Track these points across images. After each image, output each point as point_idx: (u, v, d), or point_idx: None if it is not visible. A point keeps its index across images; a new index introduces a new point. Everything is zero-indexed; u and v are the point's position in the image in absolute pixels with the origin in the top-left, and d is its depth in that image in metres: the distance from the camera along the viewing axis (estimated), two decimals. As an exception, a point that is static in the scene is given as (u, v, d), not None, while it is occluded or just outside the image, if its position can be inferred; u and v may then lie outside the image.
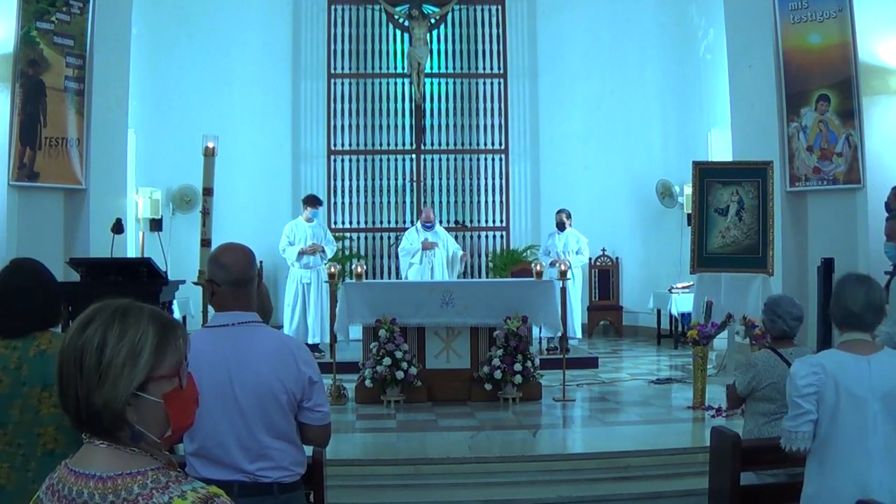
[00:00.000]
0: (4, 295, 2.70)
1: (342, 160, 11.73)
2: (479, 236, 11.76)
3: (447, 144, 11.83)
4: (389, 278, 11.30)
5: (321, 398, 2.69)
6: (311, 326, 9.05)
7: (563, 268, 7.34)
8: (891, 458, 2.65)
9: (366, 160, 11.75)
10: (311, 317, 9.06)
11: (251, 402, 2.53)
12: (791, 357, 3.99)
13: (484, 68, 11.91)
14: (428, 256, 9.36)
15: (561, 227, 9.64)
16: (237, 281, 2.62)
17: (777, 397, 3.94)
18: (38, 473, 2.52)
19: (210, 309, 5.53)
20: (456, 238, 10.50)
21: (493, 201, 11.84)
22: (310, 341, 9.01)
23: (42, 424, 2.59)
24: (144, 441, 1.40)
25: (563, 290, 7.56)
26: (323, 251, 9.14)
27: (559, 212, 9.77)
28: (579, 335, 9.85)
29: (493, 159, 11.88)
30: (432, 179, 11.80)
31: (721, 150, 10.03)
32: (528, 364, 6.82)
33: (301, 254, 8.99)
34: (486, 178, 11.85)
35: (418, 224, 9.68)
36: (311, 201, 9.34)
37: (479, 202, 11.82)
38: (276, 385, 2.55)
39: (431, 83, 11.82)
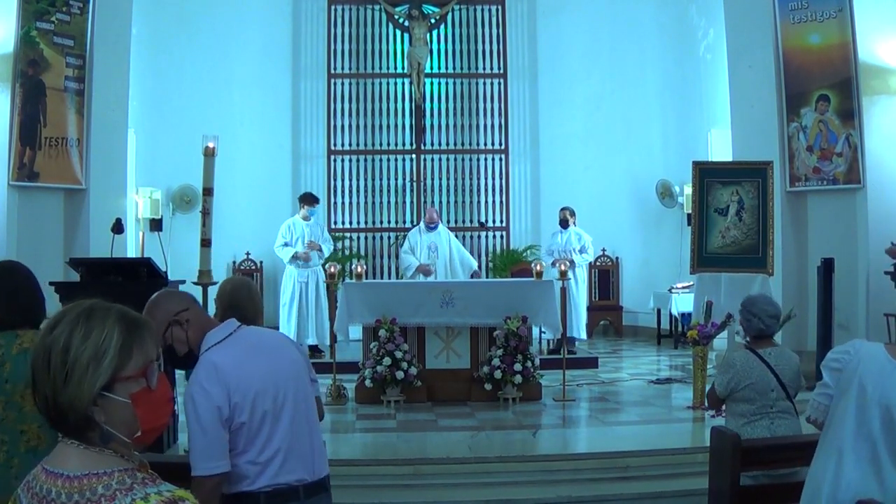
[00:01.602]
0: None
1: (342, 160, 11.73)
2: (479, 236, 11.76)
3: (447, 144, 11.83)
4: (389, 278, 11.30)
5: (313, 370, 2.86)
6: (309, 327, 8.97)
7: (562, 268, 7.34)
8: (870, 464, 2.62)
9: (366, 160, 11.75)
10: (309, 318, 8.98)
11: (297, 385, 2.57)
12: (770, 357, 3.98)
13: (484, 68, 11.91)
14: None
15: (564, 224, 9.55)
16: (195, 298, 2.70)
17: (756, 398, 3.94)
18: (20, 470, 2.56)
19: (209, 311, 5.52)
20: (462, 238, 10.48)
21: (493, 201, 11.83)
22: (308, 342, 8.97)
23: (25, 421, 2.62)
24: (114, 441, 1.41)
25: (563, 290, 7.55)
26: (320, 249, 9.07)
27: (563, 209, 9.66)
28: (584, 336, 9.76)
29: (493, 159, 11.88)
30: (432, 179, 11.79)
31: (721, 150, 10.03)
32: (528, 364, 6.82)
33: (294, 258, 8.93)
34: (486, 178, 11.85)
35: (422, 224, 9.56)
36: (308, 199, 9.27)
37: (479, 202, 11.81)
38: (303, 364, 2.67)
39: (431, 83, 11.82)
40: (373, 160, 11.75)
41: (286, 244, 8.99)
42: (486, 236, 11.77)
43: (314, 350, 9.04)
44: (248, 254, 10.99)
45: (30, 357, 2.56)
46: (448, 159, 11.83)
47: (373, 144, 11.76)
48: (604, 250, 11.40)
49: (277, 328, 9.19)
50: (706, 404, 6.14)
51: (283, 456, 2.47)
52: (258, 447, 2.45)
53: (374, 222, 11.73)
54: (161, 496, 1.36)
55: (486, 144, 11.88)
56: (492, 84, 11.89)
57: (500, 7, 11.91)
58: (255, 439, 2.45)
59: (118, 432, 1.41)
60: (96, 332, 1.41)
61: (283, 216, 9.91)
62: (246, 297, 3.38)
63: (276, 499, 2.46)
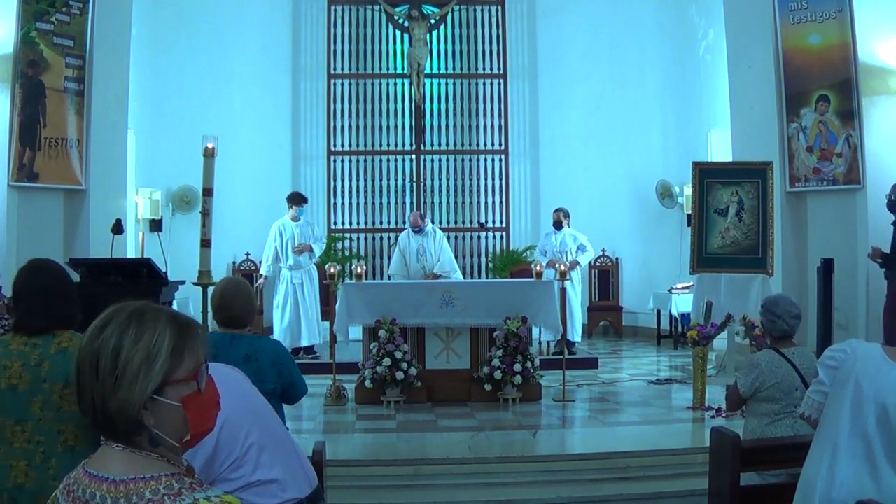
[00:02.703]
0: (27, 294, 2.74)
1: (342, 160, 11.73)
2: (479, 236, 11.77)
3: (447, 144, 11.84)
4: (389, 279, 11.29)
5: None
6: (304, 329, 8.83)
7: (562, 268, 7.34)
8: (864, 462, 2.62)
9: (366, 160, 11.75)
10: (303, 319, 8.83)
11: (262, 414, 2.52)
12: (794, 357, 3.99)
13: (484, 68, 11.92)
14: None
15: (558, 226, 9.42)
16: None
17: (781, 397, 3.94)
18: (58, 471, 2.53)
19: (208, 313, 5.49)
20: (462, 238, 10.44)
21: (493, 201, 11.84)
22: (303, 344, 8.92)
23: (63, 421, 2.60)
24: (162, 445, 1.39)
25: (563, 290, 7.56)
26: (311, 250, 8.91)
27: (557, 210, 9.53)
28: (578, 338, 9.61)
29: (493, 159, 11.88)
30: (432, 179, 11.80)
31: (721, 150, 10.02)
32: (528, 364, 6.82)
33: (262, 278, 9.00)
34: (486, 179, 11.86)
35: (409, 228, 9.25)
36: (296, 199, 9.08)
37: (479, 202, 11.82)
38: (252, 387, 2.60)
39: (431, 83, 11.83)
40: (373, 160, 11.76)
41: (277, 247, 8.89)
42: (486, 236, 11.78)
43: (308, 352, 8.98)
44: (247, 254, 10.99)
45: (69, 356, 2.57)
46: (448, 159, 11.83)
47: (373, 145, 11.76)
48: (604, 250, 11.40)
49: (272, 330, 9.18)
50: (718, 406, 6.16)
51: (282, 476, 2.45)
52: (254, 474, 2.40)
53: (373, 222, 11.73)
54: (210, 501, 1.33)
55: (485, 145, 11.88)
56: (492, 84, 11.90)
57: (499, 7, 11.91)
58: (245, 468, 2.40)
59: (167, 436, 1.39)
60: (148, 334, 1.38)
61: (283, 216, 9.89)
62: (233, 294, 3.37)
63: None
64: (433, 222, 10.93)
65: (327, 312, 8.38)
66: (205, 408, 1.44)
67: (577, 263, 9.30)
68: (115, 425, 1.37)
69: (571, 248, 9.31)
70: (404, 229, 10.59)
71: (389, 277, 9.16)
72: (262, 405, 2.56)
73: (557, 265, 7.55)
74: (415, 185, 11.73)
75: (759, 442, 3.80)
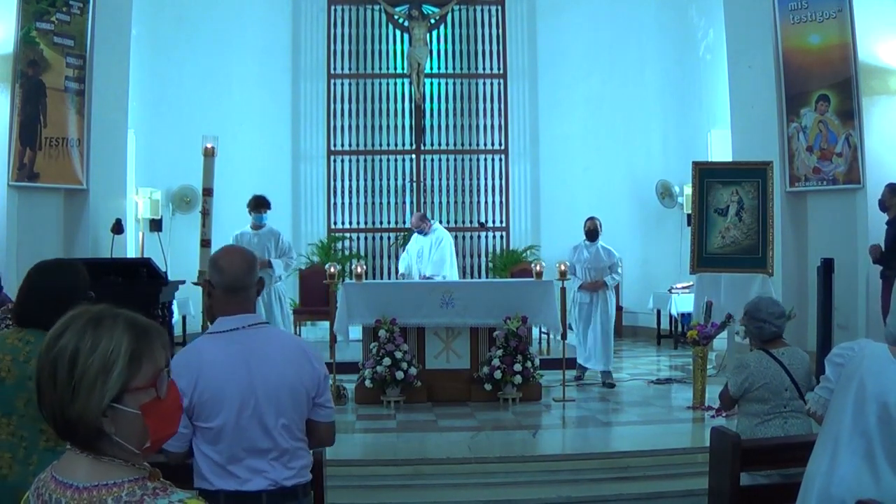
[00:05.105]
0: (34, 289, 2.76)
1: (342, 160, 11.73)
2: (479, 236, 11.76)
3: (447, 144, 11.84)
4: (389, 278, 11.30)
5: (329, 394, 2.72)
6: None
7: (562, 267, 7.31)
8: (864, 460, 2.62)
9: (366, 160, 11.75)
10: None
11: (275, 404, 2.50)
12: (783, 357, 3.98)
13: (484, 68, 11.91)
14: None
15: (592, 236, 8.13)
16: (231, 286, 2.56)
17: (770, 398, 3.93)
18: (38, 467, 2.54)
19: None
20: (462, 238, 10.39)
21: (493, 201, 11.84)
22: None
23: (45, 420, 2.60)
24: (124, 452, 1.38)
25: (563, 290, 7.55)
26: (269, 266, 7.44)
27: (591, 219, 8.25)
28: (609, 367, 7.88)
29: (493, 159, 11.88)
30: (432, 179, 11.80)
31: (721, 150, 10.02)
32: (528, 364, 6.82)
33: None
34: (486, 178, 11.85)
35: (415, 232, 9.19)
36: (254, 204, 7.78)
37: (479, 202, 11.81)
38: (297, 383, 2.55)
39: (431, 83, 11.82)
40: (373, 160, 11.76)
41: None
42: (486, 236, 11.77)
43: None
44: (248, 254, 10.97)
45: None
46: (448, 159, 11.83)
47: (373, 144, 11.76)
48: (604, 250, 11.39)
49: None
50: (718, 405, 6.14)
51: (240, 463, 2.45)
52: (215, 449, 2.44)
53: (374, 222, 11.73)
54: None
55: (485, 144, 11.88)
56: (492, 84, 11.90)
57: (499, 7, 11.91)
58: (216, 442, 2.44)
59: (128, 443, 1.37)
60: (104, 342, 1.35)
61: (283, 217, 9.88)
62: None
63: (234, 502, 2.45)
64: (440, 222, 10.91)
65: (327, 313, 8.36)
66: (166, 414, 1.42)
67: (605, 284, 8.00)
68: (76, 433, 1.36)
69: (606, 265, 8.03)
70: (405, 229, 10.63)
71: (402, 276, 9.11)
72: (285, 396, 2.52)
73: (558, 265, 7.23)
74: (415, 184, 11.73)
75: (759, 442, 3.80)
